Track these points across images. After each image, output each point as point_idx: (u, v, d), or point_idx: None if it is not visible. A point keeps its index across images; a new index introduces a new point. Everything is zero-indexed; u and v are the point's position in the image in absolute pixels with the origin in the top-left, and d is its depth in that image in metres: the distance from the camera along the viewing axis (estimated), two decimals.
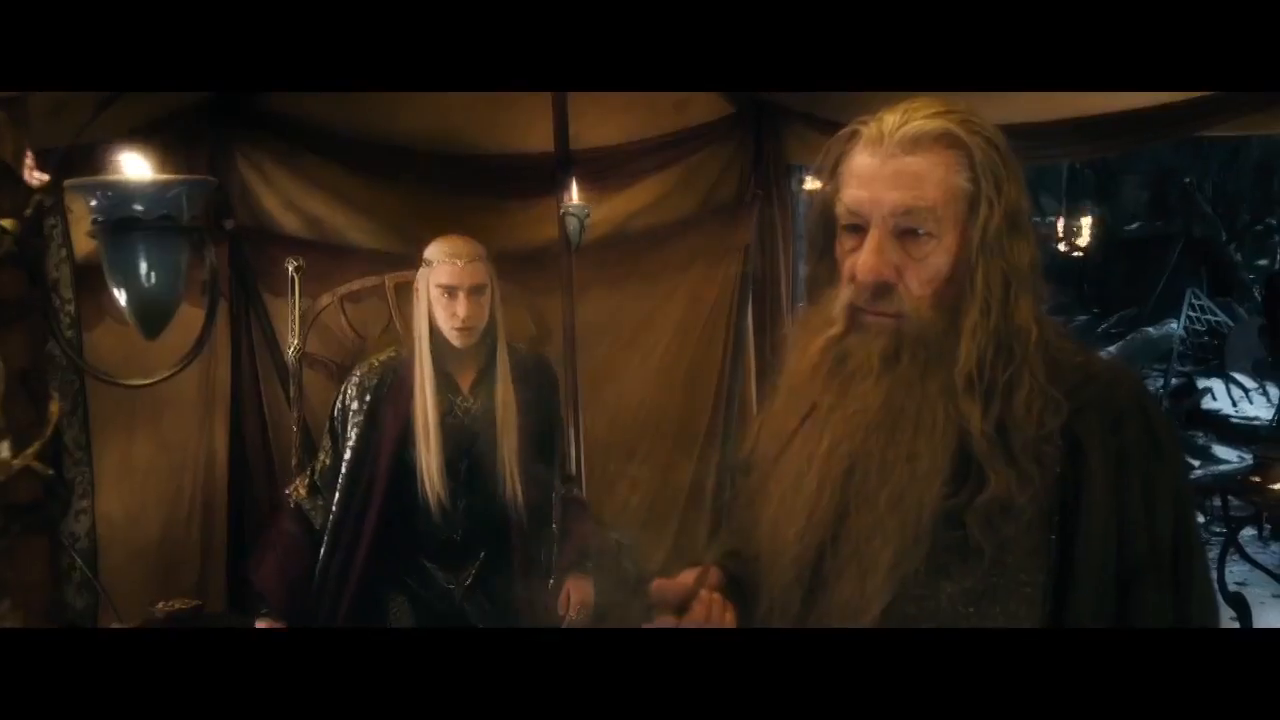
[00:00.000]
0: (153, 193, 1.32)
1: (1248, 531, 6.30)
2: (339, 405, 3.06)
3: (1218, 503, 5.90)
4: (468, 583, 3.09)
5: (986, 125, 1.35)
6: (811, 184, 1.46)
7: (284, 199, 3.89)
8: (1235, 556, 5.49)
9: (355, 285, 3.69)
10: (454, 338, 2.97)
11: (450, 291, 2.93)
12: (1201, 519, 6.42)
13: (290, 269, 3.40)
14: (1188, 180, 13.72)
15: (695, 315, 4.49)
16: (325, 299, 3.66)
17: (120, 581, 3.30)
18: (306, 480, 3.09)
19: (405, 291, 3.43)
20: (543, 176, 3.84)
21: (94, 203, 1.34)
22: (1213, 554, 5.17)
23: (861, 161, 1.34)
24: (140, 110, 3.10)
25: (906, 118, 1.33)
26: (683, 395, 4.48)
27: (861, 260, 1.31)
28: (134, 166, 1.33)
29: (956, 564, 1.31)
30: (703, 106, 4.37)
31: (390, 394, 3.02)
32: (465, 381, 3.07)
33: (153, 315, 1.40)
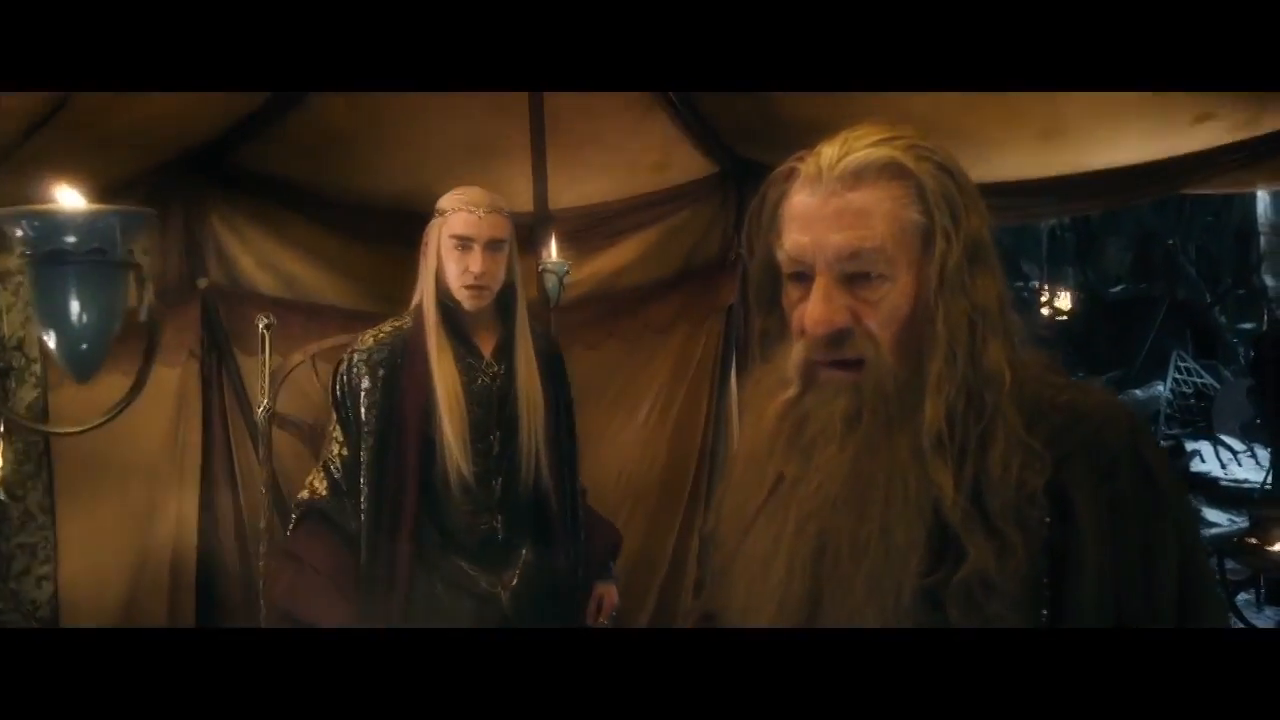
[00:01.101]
0: (83, 223, 1.23)
1: (1242, 596, 6.21)
2: (342, 387, 2.70)
3: (1213, 565, 5.82)
4: (513, 584, 2.73)
5: (937, 150, 1.22)
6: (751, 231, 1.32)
7: (258, 257, 3.82)
8: (1233, 621, 5.40)
9: (329, 343, 3.61)
10: (465, 298, 2.65)
11: (464, 243, 2.63)
12: None
13: (260, 326, 3.32)
14: (1171, 242, 13.77)
15: (678, 378, 4.42)
16: (297, 357, 3.58)
17: None
18: (323, 479, 2.69)
19: None
20: (522, 237, 3.76)
21: (20, 234, 1.25)
22: None
23: (801, 202, 1.22)
24: (114, 167, 3.06)
25: (846, 149, 1.21)
26: (665, 461, 4.39)
27: (809, 312, 1.20)
28: (65, 196, 1.25)
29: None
30: (684, 167, 4.33)
31: (406, 365, 2.67)
32: (486, 347, 2.75)
33: (82, 357, 1.28)
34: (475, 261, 2.62)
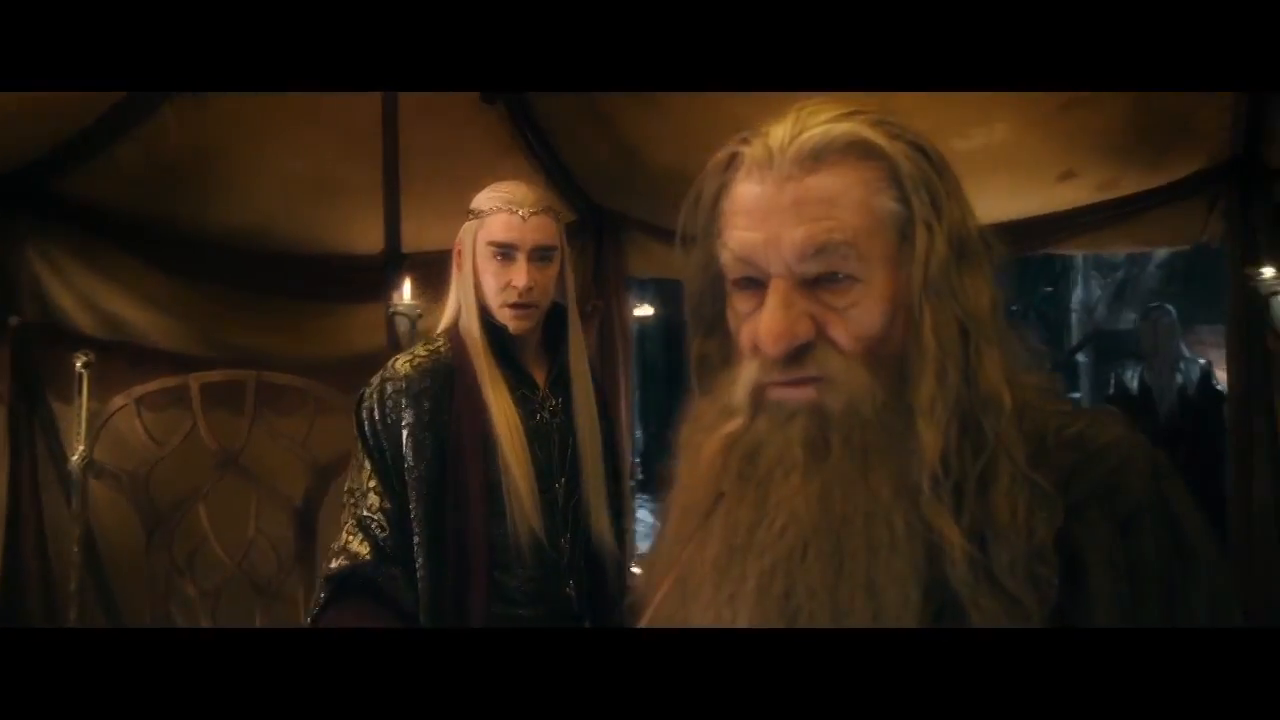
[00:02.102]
0: None
1: None
2: (375, 425, 2.14)
3: None
4: None
5: (909, 128, 1.01)
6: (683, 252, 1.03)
7: (80, 295, 3.56)
8: None
9: (154, 386, 3.34)
10: (508, 318, 2.16)
11: (506, 252, 2.15)
12: None
13: (78, 365, 3.05)
14: (1014, 308, 14.18)
15: None
16: (119, 400, 3.30)
17: None
18: (362, 540, 2.08)
19: (212, 393, 3.12)
20: (370, 281, 3.63)
21: None
22: None
23: (748, 192, 1.00)
24: None
25: (800, 126, 0.99)
26: None
27: (764, 324, 0.96)
28: None
29: None
30: None
31: (455, 397, 2.17)
32: (540, 375, 2.27)
33: None
34: (519, 274, 2.13)
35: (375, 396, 2.16)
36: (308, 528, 3.24)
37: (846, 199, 0.96)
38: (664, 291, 8.04)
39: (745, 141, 1.02)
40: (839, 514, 0.95)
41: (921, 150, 1.00)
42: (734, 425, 1.01)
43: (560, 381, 2.27)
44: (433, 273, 3.86)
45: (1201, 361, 5.36)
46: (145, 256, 3.62)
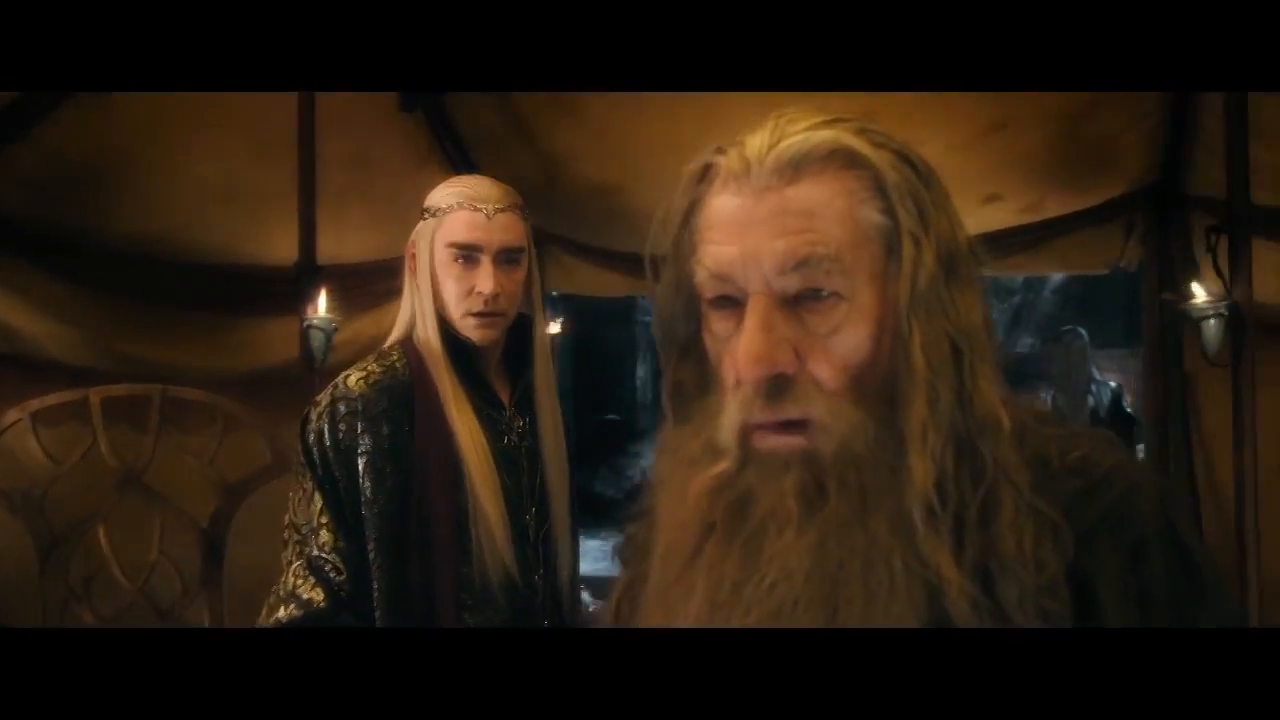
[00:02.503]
0: None
1: None
2: (324, 451, 1.90)
3: None
4: None
5: (893, 137, 0.96)
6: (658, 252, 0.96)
7: None
8: None
9: (52, 400, 3.17)
10: (470, 328, 1.95)
11: (468, 255, 1.93)
12: None
13: None
14: None
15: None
16: (13, 415, 3.12)
17: None
18: (314, 584, 1.85)
19: (113, 408, 2.96)
20: (283, 292, 3.53)
21: None
22: None
23: (724, 206, 0.94)
24: None
25: (778, 135, 0.93)
26: None
27: (743, 347, 0.90)
28: None
29: None
30: None
31: (416, 420, 1.94)
32: (504, 391, 2.05)
33: None
34: (484, 279, 1.92)
35: (325, 418, 1.92)
36: (215, 550, 3.08)
37: (828, 210, 0.91)
38: (574, 308, 7.96)
39: (720, 152, 0.96)
40: (835, 561, 0.89)
41: (907, 159, 0.94)
42: (720, 468, 0.95)
43: (525, 400, 2.06)
44: (349, 285, 3.80)
45: (1113, 385, 5.46)
46: (42, 264, 3.45)
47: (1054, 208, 3.72)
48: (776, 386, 0.90)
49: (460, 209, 1.94)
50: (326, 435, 1.90)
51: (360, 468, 1.89)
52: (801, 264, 0.89)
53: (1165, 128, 3.58)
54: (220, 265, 3.74)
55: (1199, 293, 3.03)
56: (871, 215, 0.92)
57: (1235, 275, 2.97)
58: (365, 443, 1.89)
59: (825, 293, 0.90)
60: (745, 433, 0.93)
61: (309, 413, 1.95)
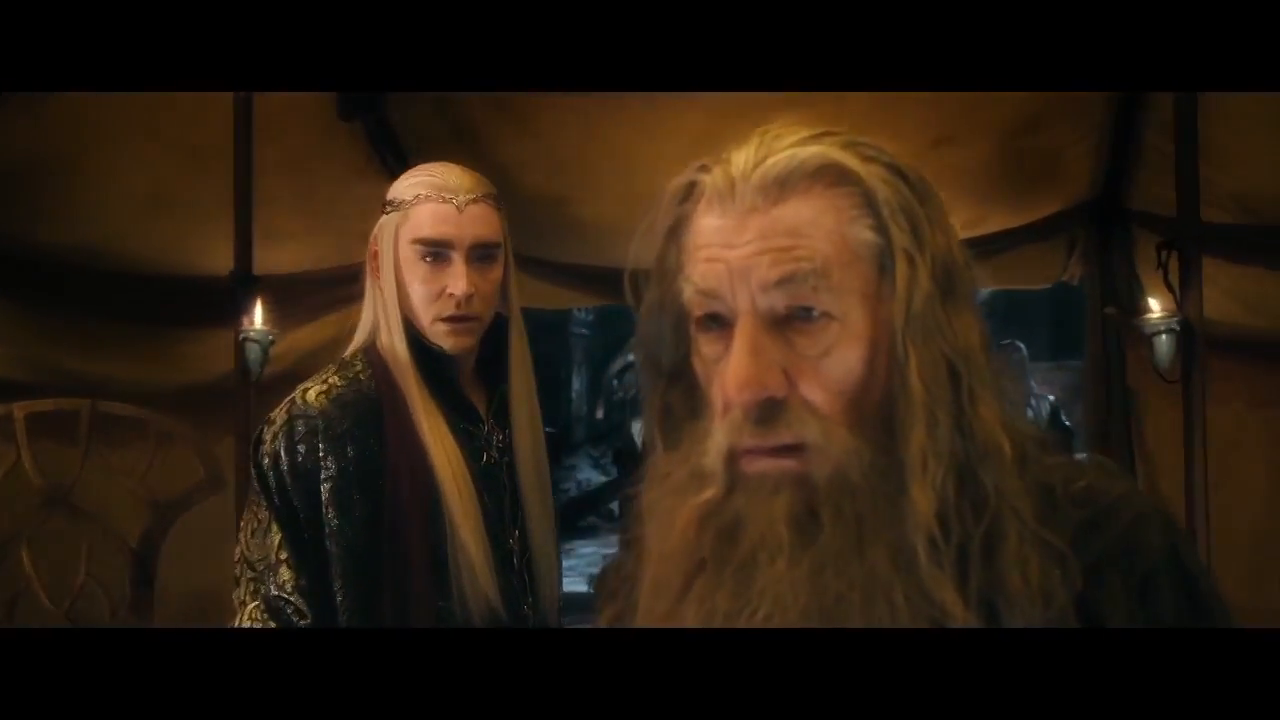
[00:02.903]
0: None
1: None
2: (282, 476, 1.71)
3: None
4: None
5: (884, 150, 0.93)
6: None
7: None
8: None
9: None
10: (442, 335, 1.76)
11: (437, 252, 1.73)
12: None
13: None
14: None
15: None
16: None
17: None
18: (272, 627, 1.68)
19: (39, 423, 2.88)
20: (218, 303, 3.45)
21: None
22: None
23: (710, 226, 0.91)
24: None
25: (764, 151, 0.91)
26: None
27: (731, 370, 0.87)
28: None
29: None
30: None
31: (386, 440, 1.74)
32: (480, 403, 1.86)
33: None
34: (457, 279, 1.72)
35: (281, 438, 1.71)
36: (145, 572, 3.03)
37: (816, 228, 0.87)
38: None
39: (705, 170, 0.93)
40: (833, 594, 0.84)
41: (900, 173, 0.90)
42: (707, 495, 0.91)
43: (503, 411, 1.87)
44: (286, 296, 3.72)
45: (1050, 398, 5.52)
46: None
47: (997, 222, 3.73)
48: (767, 411, 0.87)
49: (427, 201, 1.74)
50: (284, 458, 1.71)
51: (323, 496, 1.70)
52: (787, 280, 0.86)
53: (1109, 144, 3.61)
54: (153, 275, 3.66)
55: (1153, 308, 3.05)
56: (862, 233, 0.88)
57: (1185, 291, 2.99)
58: (329, 467, 1.70)
59: (815, 313, 0.87)
60: (733, 458, 0.89)
61: (262, 432, 1.75)
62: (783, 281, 0.86)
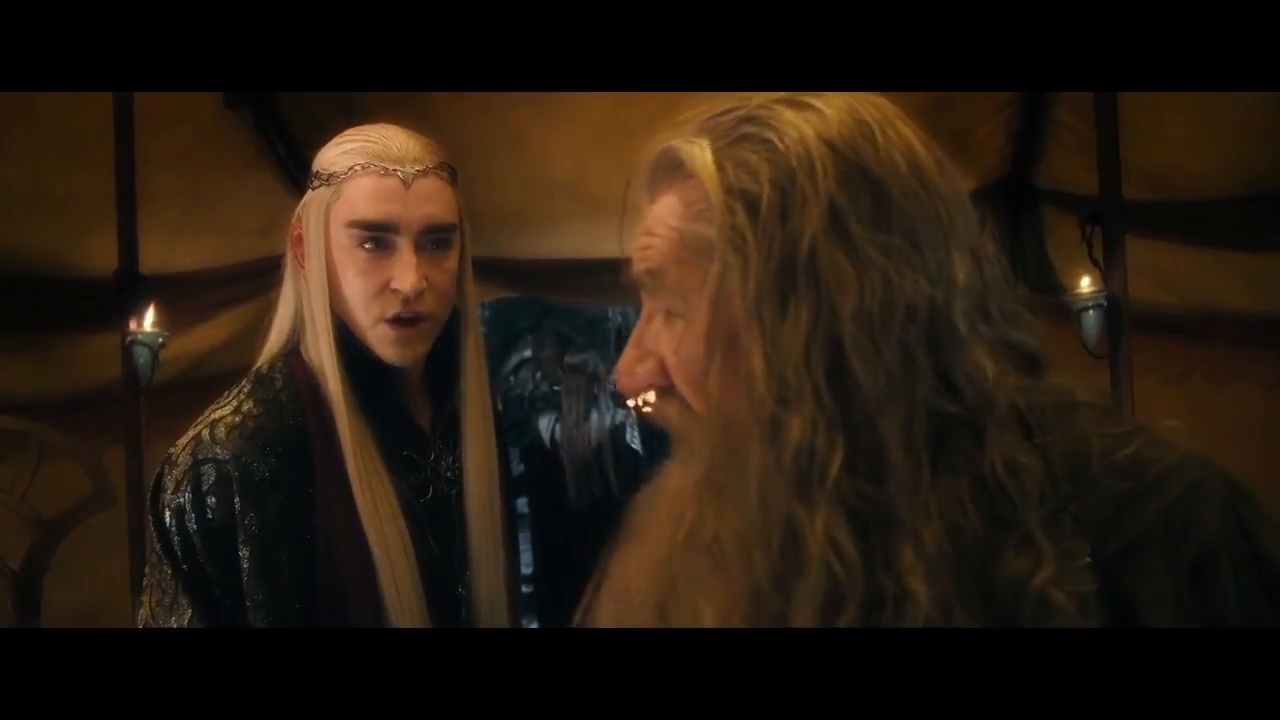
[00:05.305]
0: None
1: None
2: (190, 535, 1.35)
3: None
4: None
5: (778, 122, 0.85)
6: None
7: None
8: None
9: None
10: (386, 341, 1.42)
11: (379, 237, 1.39)
12: None
13: None
14: None
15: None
16: None
17: None
18: None
19: None
20: (102, 305, 3.30)
21: None
22: None
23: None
24: None
25: (653, 142, 0.91)
26: None
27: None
28: None
29: None
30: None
31: (316, 479, 1.40)
32: (425, 420, 1.54)
33: None
34: (404, 271, 1.39)
35: (187, 489, 1.36)
36: (30, 596, 2.91)
37: (662, 225, 0.88)
38: None
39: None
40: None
41: (770, 148, 0.83)
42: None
43: (453, 427, 1.54)
44: (176, 296, 3.56)
45: None
46: None
47: None
48: (658, 398, 0.91)
49: (365, 173, 1.39)
50: (191, 515, 1.36)
51: (243, 562, 1.36)
52: (642, 279, 0.89)
53: (1019, 121, 3.64)
54: (31, 276, 3.47)
55: (1081, 285, 3.08)
56: (702, 229, 0.85)
57: (1110, 268, 3.02)
58: (248, 525, 1.36)
59: (675, 310, 0.88)
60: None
61: (162, 477, 1.40)
62: (640, 280, 0.89)
